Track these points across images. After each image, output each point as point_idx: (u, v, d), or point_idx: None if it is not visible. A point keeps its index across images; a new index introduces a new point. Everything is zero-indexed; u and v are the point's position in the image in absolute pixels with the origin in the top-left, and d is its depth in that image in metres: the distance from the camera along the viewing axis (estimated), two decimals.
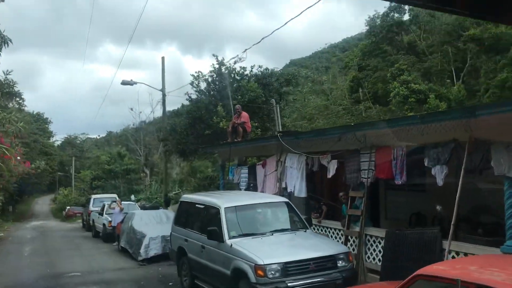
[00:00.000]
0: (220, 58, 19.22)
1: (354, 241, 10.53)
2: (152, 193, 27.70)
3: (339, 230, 11.08)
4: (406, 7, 58.15)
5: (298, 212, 9.88)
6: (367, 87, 49.61)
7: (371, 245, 10.07)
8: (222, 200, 9.60)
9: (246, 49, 14.53)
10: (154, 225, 15.98)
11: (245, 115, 16.03)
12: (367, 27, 59.73)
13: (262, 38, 13.51)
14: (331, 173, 11.11)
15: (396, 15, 60.35)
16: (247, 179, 15.37)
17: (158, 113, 33.90)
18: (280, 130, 18.03)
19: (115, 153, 34.93)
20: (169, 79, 53.40)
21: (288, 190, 12.87)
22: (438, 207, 10.02)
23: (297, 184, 12.36)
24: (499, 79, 36.09)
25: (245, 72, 20.10)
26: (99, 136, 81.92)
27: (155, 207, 18.21)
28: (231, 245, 8.51)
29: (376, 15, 60.20)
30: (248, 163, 16.84)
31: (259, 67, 19.69)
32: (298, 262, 7.87)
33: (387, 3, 63.27)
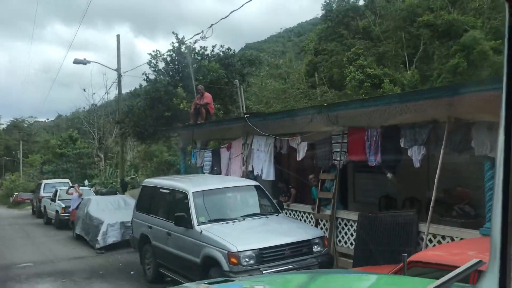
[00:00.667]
0: (180, 37, 18.42)
1: (324, 225, 10.25)
2: (107, 177, 26.63)
3: (309, 213, 10.76)
4: None
5: (269, 196, 9.46)
6: (323, 72, 49.80)
7: (342, 228, 9.80)
8: (190, 184, 9.03)
9: (212, 24, 13.83)
10: (111, 211, 15.19)
11: (208, 96, 15.39)
12: (323, 12, 59.90)
13: (230, 13, 12.97)
14: (300, 155, 10.73)
15: None
16: (210, 163, 14.80)
17: (113, 94, 32.61)
18: (245, 112, 17.51)
19: (67, 137, 33.31)
20: (122, 61, 51.70)
21: (255, 173, 12.43)
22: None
23: (264, 167, 11.94)
24: (451, 65, 36.90)
25: (206, 52, 19.37)
26: (47, 119, 78.48)
27: (112, 193, 17.37)
28: (201, 231, 7.98)
29: None
30: (209, 146, 16.27)
31: (221, 46, 19.06)
32: (273, 248, 7.46)
33: None
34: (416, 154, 8.08)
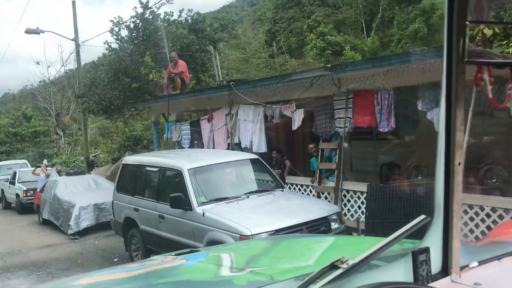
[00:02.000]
0: (144, 1, 16.77)
1: (326, 198, 9.43)
2: (68, 156, 24.85)
3: (307, 186, 9.91)
4: None
5: (271, 170, 8.50)
6: (281, 41, 48.80)
7: (348, 201, 9.01)
8: (183, 161, 7.91)
9: None
10: (82, 193, 13.81)
11: (182, 63, 14.07)
12: None
13: None
14: (296, 124, 9.78)
15: None
16: (189, 136, 13.63)
17: (71, 67, 30.24)
18: (220, 79, 16.33)
19: (20, 114, 30.89)
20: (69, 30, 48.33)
21: (242, 145, 11.42)
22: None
23: (254, 139, 10.92)
24: (411, 30, 36.69)
25: (172, 18, 17.87)
26: None
27: (79, 172, 15.91)
28: (203, 213, 6.95)
29: None
30: (185, 119, 15.06)
31: (189, 11, 17.59)
32: (289, 228, 6.52)
33: None
34: (438, 116, 7.29)
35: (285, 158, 10.67)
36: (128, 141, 21.87)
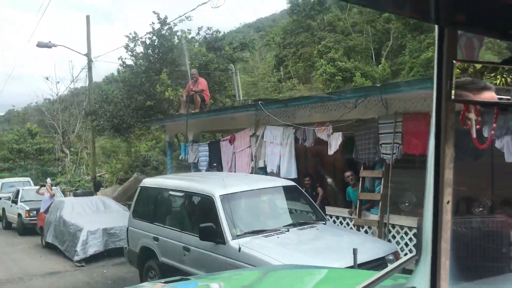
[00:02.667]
0: (162, 16, 16.06)
1: (367, 232, 8.43)
2: (74, 175, 23.86)
3: (344, 218, 8.91)
4: None
5: (310, 199, 7.51)
6: (290, 65, 48.43)
7: (393, 237, 8.01)
8: (214, 186, 6.95)
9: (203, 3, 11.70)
10: (90, 216, 12.80)
11: (202, 81, 13.23)
12: (289, 5, 58.54)
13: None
14: (333, 149, 8.84)
15: None
16: (207, 158, 12.70)
17: (81, 83, 29.28)
18: (241, 99, 15.49)
19: (25, 131, 29.96)
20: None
21: (268, 170, 10.45)
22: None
23: (283, 163, 9.96)
24: (424, 58, 36.14)
25: (190, 35, 17.12)
26: None
27: (88, 193, 14.90)
28: (239, 248, 5.96)
29: None
30: (202, 139, 14.14)
31: (208, 29, 16.88)
32: None
33: None
34: (510, 146, 6.37)
35: (317, 185, 9.69)
36: (136, 161, 20.89)
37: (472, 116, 1.51)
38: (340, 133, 8.67)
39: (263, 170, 10.67)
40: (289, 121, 9.56)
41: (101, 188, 19.14)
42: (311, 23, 52.23)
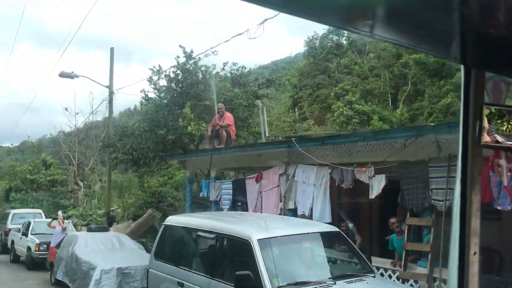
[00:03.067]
0: (188, 50, 15.75)
1: (412, 286, 7.57)
2: (86, 209, 23.17)
3: (385, 269, 8.07)
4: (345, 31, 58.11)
5: (356, 248, 6.74)
6: (305, 106, 48.23)
7: None
8: (251, 228, 6.22)
9: (264, 20, 11.25)
10: (104, 253, 12.00)
11: (229, 116, 12.69)
12: (306, 48, 59.03)
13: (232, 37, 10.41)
14: (374, 192, 8.09)
15: (335, 37, 60.27)
16: (230, 197, 11.98)
17: (100, 116, 28.94)
18: (267, 136, 14.91)
19: (39, 161, 29.53)
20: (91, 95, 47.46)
21: (299, 212, 9.69)
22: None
23: (316, 205, 9.21)
24: (444, 104, 35.63)
25: (215, 71, 16.76)
26: (12, 144, 73.20)
27: (103, 229, 14.15)
28: None
29: (315, 36, 59.76)
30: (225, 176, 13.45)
31: (233, 64, 16.53)
32: None
33: (324, 26, 63.26)
34: None
35: (356, 232, 8.87)
36: (152, 197, 20.20)
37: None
38: (384, 175, 7.95)
39: (292, 212, 9.92)
40: (325, 160, 8.88)
41: (114, 224, 18.39)
42: (328, 65, 52.44)
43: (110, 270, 11.00)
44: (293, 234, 6.17)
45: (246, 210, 11.29)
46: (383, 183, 7.96)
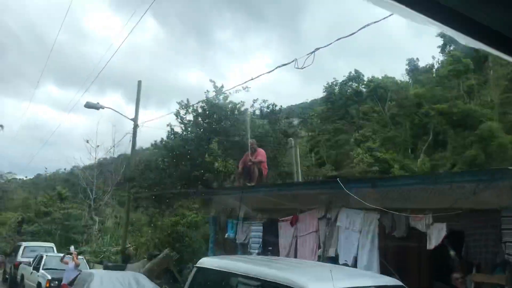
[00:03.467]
0: (218, 84, 15.29)
1: None
2: (99, 245, 22.26)
3: None
4: (366, 77, 58.30)
5: None
6: (323, 151, 47.48)
7: None
8: (305, 277, 5.36)
9: (316, 49, 10.70)
10: None
11: (261, 152, 11.97)
12: (325, 93, 59.00)
13: (256, 77, 9.79)
14: (433, 242, 7.20)
15: (355, 84, 60.31)
16: (260, 240, 11.11)
17: (121, 150, 28.52)
18: (299, 175, 14.13)
19: (54, 194, 28.90)
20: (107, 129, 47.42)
21: (340, 261, 8.75)
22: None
23: (362, 255, 8.30)
24: (468, 155, 34.67)
25: (243, 107, 16.20)
26: (26, 177, 73.17)
27: (119, 267, 13.24)
28: None
29: (334, 82, 59.88)
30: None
31: (263, 101, 16.00)
32: None
33: (339, 75, 63.45)
34: None
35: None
36: (168, 236, 19.27)
37: None
38: (444, 224, 7.08)
39: (332, 261, 8.97)
40: (375, 204, 8.04)
41: (128, 263, 17.47)
42: (348, 111, 52.12)
43: None
44: (357, 287, 5.28)
45: (277, 255, 10.39)
46: (443, 233, 7.08)
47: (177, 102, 16.09)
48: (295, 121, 16.71)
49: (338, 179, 8.77)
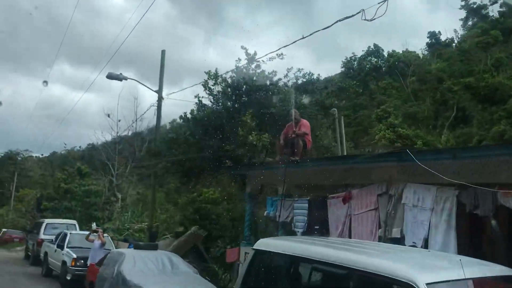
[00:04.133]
0: (251, 52, 14.09)
1: None
2: (122, 222, 21.55)
3: None
4: (385, 52, 56.58)
5: None
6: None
7: None
8: (410, 265, 4.36)
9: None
10: (156, 277, 10.19)
11: (306, 124, 10.86)
12: (343, 69, 57.41)
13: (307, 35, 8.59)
14: None
15: (374, 59, 58.47)
16: (306, 218, 10.12)
17: (144, 124, 27.44)
18: (344, 148, 13.08)
19: (74, 170, 28.16)
20: (124, 105, 46.67)
21: (407, 242, 7.70)
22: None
23: (435, 237, 7.22)
24: (496, 131, 33.26)
25: (275, 77, 15.01)
26: (42, 155, 73.20)
27: (152, 246, 12.34)
28: None
29: (353, 57, 58.10)
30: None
31: (298, 70, 14.81)
32: None
33: (349, 52, 61.70)
34: None
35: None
36: (194, 213, 18.41)
37: None
38: None
39: (396, 242, 7.95)
40: (454, 178, 6.94)
41: (158, 241, 16.68)
42: (368, 86, 50.68)
43: None
44: (473, 278, 4.25)
45: (327, 235, 9.41)
46: None
47: (205, 72, 14.95)
48: (334, 91, 15.46)
49: (407, 150, 7.66)
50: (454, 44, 50.99)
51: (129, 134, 25.14)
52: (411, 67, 45.14)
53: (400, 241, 7.87)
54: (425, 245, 7.35)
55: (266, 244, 6.14)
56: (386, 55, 57.59)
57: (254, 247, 6.23)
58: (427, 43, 53.23)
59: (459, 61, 42.59)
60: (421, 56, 49.84)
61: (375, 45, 56.63)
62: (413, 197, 7.74)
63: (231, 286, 15.09)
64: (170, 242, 17.78)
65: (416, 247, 7.44)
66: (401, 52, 51.87)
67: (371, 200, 8.54)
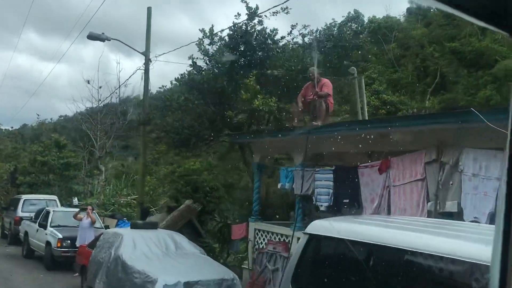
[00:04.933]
0: (252, 5, 12.46)
1: None
2: (107, 197, 19.99)
3: None
4: (365, 18, 55.14)
5: None
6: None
7: None
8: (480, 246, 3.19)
9: None
10: (161, 260, 8.86)
11: (328, 83, 9.46)
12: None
13: None
14: None
15: (354, 25, 56.86)
16: (331, 191, 8.87)
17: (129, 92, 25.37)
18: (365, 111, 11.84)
19: (51, 142, 26.18)
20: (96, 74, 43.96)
21: (467, 219, 6.56)
22: None
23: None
24: (483, 96, 32.74)
25: (277, 35, 13.49)
26: (12, 127, 69.97)
27: (150, 225, 10.92)
28: None
29: (333, 23, 56.36)
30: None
31: (303, 27, 13.29)
32: None
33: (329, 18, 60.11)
34: None
35: None
36: (186, 185, 17.01)
37: None
38: None
39: (449, 217, 6.80)
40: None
41: (148, 217, 15.28)
42: (349, 53, 49.36)
43: (176, 285, 7.92)
44: None
45: (358, 209, 8.23)
46: None
47: (199, 29, 13.29)
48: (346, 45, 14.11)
49: (471, 108, 6.40)
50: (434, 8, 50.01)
51: (113, 101, 23.30)
52: (393, 32, 44.02)
53: (454, 215, 6.74)
54: (490, 222, 6.21)
55: (321, 227, 4.82)
56: (366, 21, 56.04)
57: (307, 231, 4.92)
58: (407, 8, 52.04)
59: (445, 25, 41.64)
60: (402, 21, 48.69)
61: (355, 10, 55.01)
62: (474, 164, 6.54)
63: (230, 260, 13.97)
64: (162, 218, 16.42)
65: (479, 223, 6.30)
66: (381, 17, 50.58)
67: (417, 169, 7.31)
